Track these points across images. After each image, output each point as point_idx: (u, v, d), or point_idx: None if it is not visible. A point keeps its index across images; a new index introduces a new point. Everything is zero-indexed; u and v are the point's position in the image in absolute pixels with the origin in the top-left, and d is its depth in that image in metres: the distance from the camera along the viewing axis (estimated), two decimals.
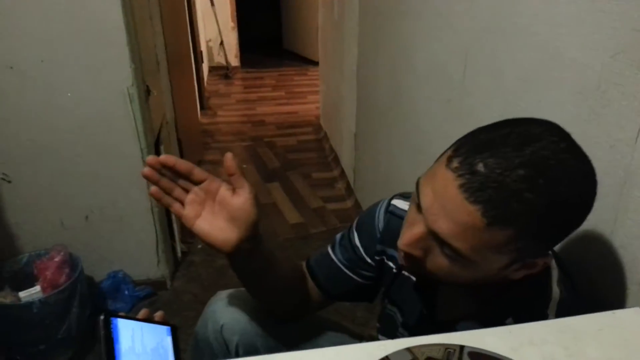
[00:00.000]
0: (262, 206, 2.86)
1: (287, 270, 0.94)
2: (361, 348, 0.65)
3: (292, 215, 2.75)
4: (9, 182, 1.80)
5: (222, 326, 0.98)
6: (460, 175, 0.59)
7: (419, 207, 0.65)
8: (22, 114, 1.71)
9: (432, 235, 0.63)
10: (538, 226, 0.59)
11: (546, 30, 0.94)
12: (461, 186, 0.58)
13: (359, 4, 2.36)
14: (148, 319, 0.79)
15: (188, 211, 0.77)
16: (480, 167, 0.58)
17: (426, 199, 0.63)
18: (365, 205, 2.64)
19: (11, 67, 1.64)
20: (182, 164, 0.76)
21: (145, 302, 2.04)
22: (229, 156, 0.75)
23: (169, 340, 0.77)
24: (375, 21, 2.14)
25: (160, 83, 2.26)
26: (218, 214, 0.76)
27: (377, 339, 1.08)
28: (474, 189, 0.58)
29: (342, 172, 3.12)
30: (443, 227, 0.61)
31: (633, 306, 0.74)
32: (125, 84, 1.72)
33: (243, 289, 1.06)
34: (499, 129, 0.61)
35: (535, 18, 0.97)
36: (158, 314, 0.83)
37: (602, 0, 0.79)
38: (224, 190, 0.77)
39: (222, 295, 1.03)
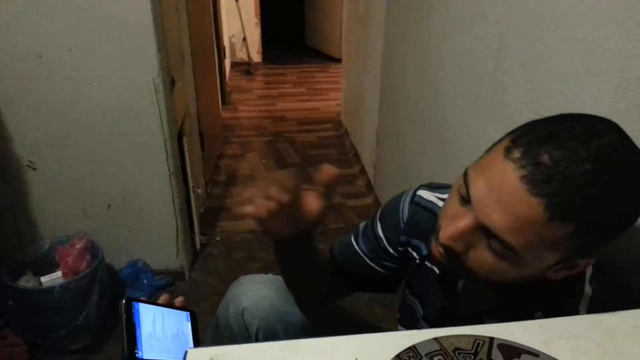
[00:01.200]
0: None
1: (321, 257, 0.93)
2: (387, 337, 0.64)
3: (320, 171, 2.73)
4: (34, 169, 1.82)
5: (243, 309, 0.98)
6: (522, 166, 0.56)
7: (463, 200, 0.63)
8: (49, 102, 1.73)
9: (481, 229, 0.60)
10: (597, 223, 0.57)
11: (586, 20, 0.91)
12: (523, 177, 0.56)
13: None
14: (169, 304, 0.78)
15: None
16: (545, 158, 0.55)
17: (478, 190, 0.60)
18: (385, 203, 2.61)
19: (40, 56, 1.65)
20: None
21: (163, 292, 2.05)
22: (329, 169, 0.73)
23: (188, 326, 0.77)
24: (403, 14, 2.12)
25: (185, 75, 2.27)
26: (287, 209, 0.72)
27: (395, 328, 1.07)
28: (537, 180, 0.55)
29: (363, 168, 3.10)
30: (497, 220, 0.58)
31: None
32: (151, 74, 1.73)
33: (265, 274, 1.06)
34: (560, 121, 0.59)
35: (575, 8, 0.94)
36: (178, 300, 0.83)
37: None
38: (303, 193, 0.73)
39: (245, 279, 1.03)
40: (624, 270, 0.80)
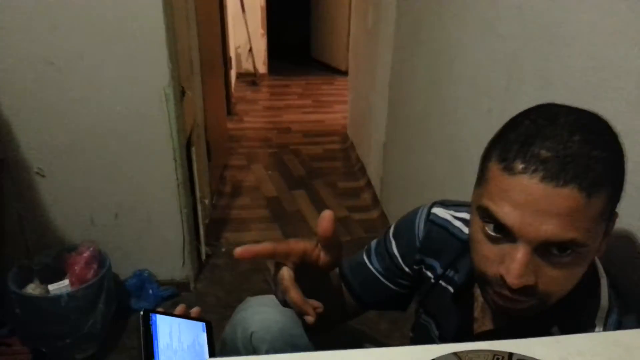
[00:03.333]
0: (287, 213, 2.86)
1: (333, 283, 0.93)
2: (406, 351, 0.63)
3: (316, 224, 2.73)
4: (43, 176, 1.83)
5: (251, 333, 0.96)
6: (534, 171, 0.57)
7: (496, 239, 0.62)
8: (60, 110, 1.74)
9: (538, 250, 0.59)
10: (617, 173, 0.61)
11: (602, 39, 0.91)
12: (543, 179, 0.57)
13: (397, 10, 2.35)
14: (185, 315, 0.78)
15: None
16: (544, 153, 0.57)
17: (511, 216, 0.59)
18: (391, 216, 2.61)
19: (52, 63, 1.67)
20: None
21: (169, 303, 2.05)
22: (328, 215, 0.70)
23: (204, 337, 0.77)
24: (413, 28, 2.13)
25: (194, 85, 2.28)
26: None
27: None
28: (556, 172, 0.56)
29: (369, 182, 3.10)
30: (550, 229, 0.57)
31: None
32: (161, 83, 1.74)
33: (271, 295, 1.05)
34: (518, 124, 0.62)
35: (590, 26, 0.95)
36: (195, 310, 0.83)
37: None
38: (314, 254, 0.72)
39: (252, 302, 1.01)
40: (638, 288, 0.80)
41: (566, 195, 0.56)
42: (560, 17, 1.05)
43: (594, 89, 0.94)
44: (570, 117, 0.60)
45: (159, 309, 0.71)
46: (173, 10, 1.75)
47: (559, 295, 0.64)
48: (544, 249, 0.59)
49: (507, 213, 0.59)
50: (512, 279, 0.60)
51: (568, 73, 1.03)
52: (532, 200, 0.57)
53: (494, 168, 0.61)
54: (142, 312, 0.66)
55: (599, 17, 0.92)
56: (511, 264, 0.60)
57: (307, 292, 0.80)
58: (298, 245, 0.70)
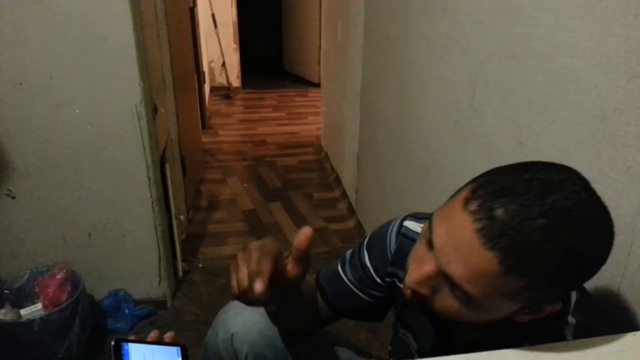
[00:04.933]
0: (264, 225, 2.85)
1: (307, 293, 0.93)
2: None
3: (294, 235, 2.69)
4: (13, 197, 1.79)
5: (232, 335, 0.98)
6: (478, 220, 0.57)
7: (429, 244, 0.64)
8: (30, 130, 1.71)
9: (443, 276, 0.61)
10: (554, 276, 0.58)
11: (561, 53, 0.95)
12: (478, 231, 0.56)
13: (364, 26, 2.39)
14: (158, 341, 0.78)
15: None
16: (499, 213, 0.56)
17: (440, 239, 0.61)
18: (367, 226, 2.63)
19: (20, 84, 1.64)
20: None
21: (146, 322, 2.02)
22: (307, 232, 0.68)
23: None
24: (381, 42, 2.17)
25: (166, 101, 2.27)
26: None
27: None
28: (492, 235, 0.56)
29: (344, 192, 3.12)
30: (456, 270, 0.59)
31: None
32: (133, 101, 1.73)
33: None
34: (518, 172, 0.59)
35: (550, 41, 0.98)
36: (168, 335, 0.82)
37: (618, 25, 0.80)
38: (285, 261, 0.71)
39: (234, 304, 1.02)
40: (605, 294, 0.83)
41: (484, 258, 0.56)
42: (521, 33, 1.09)
43: (554, 101, 0.98)
44: (564, 201, 0.56)
45: (131, 337, 0.71)
46: (143, 28, 1.74)
47: (454, 320, 0.66)
48: (448, 278, 0.61)
49: (438, 233, 0.61)
50: (408, 279, 0.65)
51: (530, 86, 1.06)
52: (460, 241, 0.58)
53: (464, 192, 0.62)
54: (113, 343, 0.66)
55: (558, 33, 0.96)
56: (417, 269, 0.64)
57: (278, 301, 0.81)
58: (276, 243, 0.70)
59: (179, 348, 0.77)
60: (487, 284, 0.58)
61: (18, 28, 1.58)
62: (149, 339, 0.76)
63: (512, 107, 1.14)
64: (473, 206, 0.58)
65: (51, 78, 1.66)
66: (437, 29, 1.55)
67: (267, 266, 0.64)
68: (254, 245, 0.68)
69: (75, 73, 1.67)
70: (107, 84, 1.70)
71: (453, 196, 0.65)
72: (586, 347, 0.67)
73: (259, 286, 0.62)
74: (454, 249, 0.59)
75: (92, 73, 1.68)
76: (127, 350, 0.67)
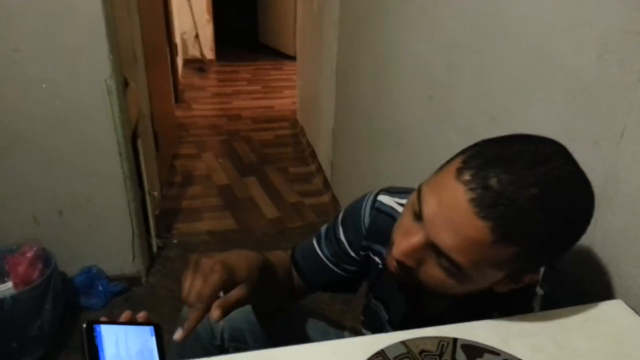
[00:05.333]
0: (239, 200, 2.84)
1: (282, 272, 0.94)
2: (356, 342, 0.65)
3: (269, 210, 2.74)
4: None
5: None
6: (471, 189, 0.57)
7: (416, 216, 0.64)
8: None
9: (431, 246, 0.62)
10: (542, 245, 0.59)
11: (534, 31, 0.95)
12: (472, 200, 0.57)
13: None
14: (131, 321, 0.77)
15: None
16: (493, 182, 0.56)
17: (430, 209, 0.61)
18: (342, 200, 2.64)
19: None
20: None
21: (120, 298, 2.01)
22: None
23: (153, 341, 0.75)
24: (357, 16, 2.15)
25: (137, 75, 2.22)
26: None
27: (359, 332, 1.09)
28: (485, 204, 0.56)
29: (319, 167, 3.12)
30: (446, 239, 0.60)
31: (615, 298, 0.76)
32: (103, 75, 1.69)
33: None
34: (509, 144, 0.60)
35: (524, 19, 0.99)
36: (141, 315, 0.81)
37: (591, 2, 0.80)
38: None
39: None
40: (571, 266, 0.85)
41: (476, 227, 0.57)
42: (494, 11, 1.09)
43: (528, 79, 0.99)
44: (554, 171, 0.57)
45: (103, 319, 0.70)
46: (112, 1, 1.68)
47: (437, 291, 0.68)
48: (437, 250, 0.62)
49: (429, 204, 0.62)
50: (395, 251, 0.66)
51: (503, 64, 1.07)
52: (451, 210, 0.59)
53: (455, 163, 0.62)
54: (84, 325, 0.65)
55: (532, 12, 0.96)
56: (403, 241, 0.65)
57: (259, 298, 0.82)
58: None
59: (152, 327, 0.76)
60: (476, 254, 0.59)
61: None
62: (121, 319, 0.75)
63: (485, 84, 1.14)
64: (466, 176, 0.58)
65: (15, 51, 1.60)
66: (413, 6, 1.54)
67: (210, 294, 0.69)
68: (205, 265, 0.72)
69: (41, 46, 1.62)
70: (75, 58, 1.65)
71: (441, 168, 0.65)
72: (553, 318, 0.69)
73: (214, 314, 0.69)
74: (445, 218, 0.59)
75: (60, 46, 1.63)
76: (100, 332, 0.66)
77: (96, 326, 0.66)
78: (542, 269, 0.73)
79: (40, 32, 1.60)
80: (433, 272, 0.64)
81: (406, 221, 0.66)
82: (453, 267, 0.61)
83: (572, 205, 0.59)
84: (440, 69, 1.35)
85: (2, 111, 1.67)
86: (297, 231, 2.54)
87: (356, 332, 1.14)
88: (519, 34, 1.00)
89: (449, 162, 0.64)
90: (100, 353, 0.64)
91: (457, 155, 0.64)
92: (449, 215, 0.59)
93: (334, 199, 2.75)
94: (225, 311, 0.71)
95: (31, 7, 1.56)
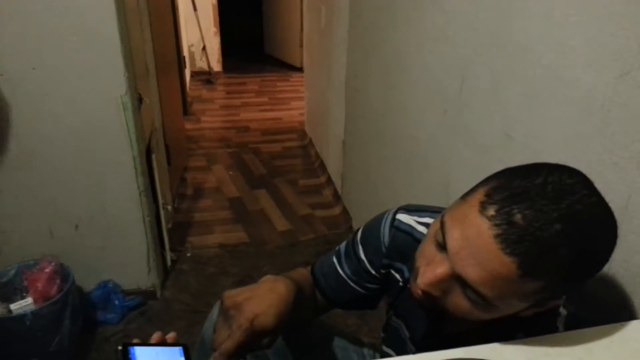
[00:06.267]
0: (250, 213, 2.86)
1: (309, 294, 0.96)
2: None
3: (280, 223, 2.75)
4: None
5: None
6: (496, 225, 0.58)
7: (440, 246, 0.65)
8: (12, 122, 1.68)
9: (457, 278, 0.63)
10: (567, 277, 0.61)
11: (550, 49, 0.97)
12: (497, 236, 0.58)
13: (349, 12, 2.38)
14: (161, 342, 0.79)
15: None
16: (518, 218, 0.57)
17: (455, 242, 0.62)
18: (353, 212, 2.66)
19: (1, 75, 1.61)
20: None
21: (136, 312, 2.03)
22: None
23: None
24: (367, 31, 2.17)
25: (150, 89, 2.25)
26: None
27: (378, 348, 1.10)
28: (511, 240, 0.57)
29: (329, 178, 3.13)
30: (472, 273, 0.60)
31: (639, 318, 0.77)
32: (118, 92, 1.71)
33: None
34: (532, 176, 0.61)
35: (539, 37, 1.00)
36: (170, 335, 0.83)
37: (609, 24, 0.82)
38: None
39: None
40: (594, 286, 0.86)
41: (502, 262, 0.58)
42: (509, 27, 1.10)
43: (543, 96, 1.00)
44: (577, 205, 0.58)
45: (135, 340, 0.72)
46: (126, 17, 1.71)
47: (461, 318, 0.68)
48: (462, 281, 0.63)
49: (453, 237, 0.62)
50: (420, 281, 0.66)
51: (518, 80, 1.08)
52: (476, 244, 0.60)
53: (478, 195, 0.62)
54: (120, 347, 0.67)
55: (548, 29, 0.98)
56: (429, 270, 0.66)
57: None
58: None
59: (181, 348, 0.78)
60: (503, 287, 0.60)
61: None
62: (152, 341, 0.77)
63: (500, 100, 1.16)
64: (490, 211, 0.59)
65: (34, 69, 1.63)
66: (423, 20, 1.56)
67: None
68: (234, 320, 0.74)
69: (58, 64, 1.64)
70: (91, 75, 1.68)
71: (463, 198, 0.65)
72: (579, 338, 0.70)
73: None
74: (470, 253, 0.60)
75: (76, 64, 1.65)
76: (134, 354, 0.68)
77: (130, 348, 0.68)
78: None
79: (58, 50, 1.62)
80: (459, 302, 0.65)
81: (429, 250, 0.67)
82: (479, 299, 0.62)
83: (596, 236, 0.60)
84: (454, 83, 1.36)
85: (20, 127, 1.69)
86: (309, 243, 2.55)
87: (374, 349, 1.15)
88: (532, 50, 1.02)
89: (471, 192, 0.65)
90: None
91: (480, 185, 0.65)
92: (474, 250, 0.60)
93: (345, 211, 2.77)
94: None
95: (48, 25, 1.59)
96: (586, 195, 0.60)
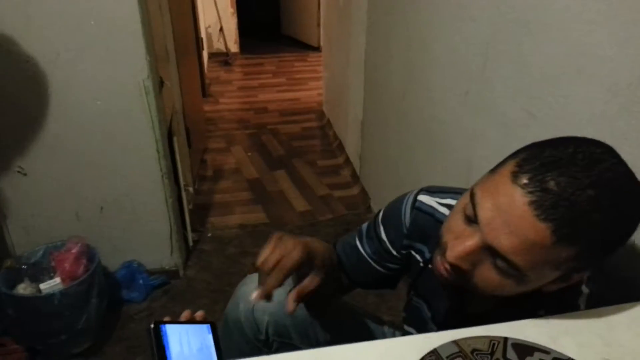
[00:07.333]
0: (269, 193, 2.88)
1: (335, 261, 0.98)
2: (408, 341, 0.68)
3: (299, 203, 2.77)
4: (25, 174, 1.81)
5: (253, 306, 1.01)
6: (530, 192, 0.59)
7: (469, 219, 0.65)
8: (38, 107, 1.71)
9: (487, 249, 0.63)
10: (600, 244, 0.62)
11: (576, 26, 0.95)
12: (532, 203, 0.59)
13: None
14: (191, 320, 0.81)
15: None
16: (552, 184, 0.58)
17: (486, 213, 0.63)
18: (372, 193, 2.66)
19: (27, 61, 1.64)
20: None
21: (159, 291, 2.07)
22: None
23: (210, 338, 0.79)
24: (386, 8, 2.14)
25: (170, 73, 2.26)
26: None
27: (399, 327, 1.12)
28: (546, 206, 0.58)
29: (347, 159, 3.14)
30: (505, 242, 0.61)
31: None
32: (140, 76, 1.73)
33: None
34: (562, 146, 0.62)
35: (565, 13, 0.98)
36: (199, 314, 0.86)
37: (636, 0, 0.80)
38: None
39: (253, 277, 1.05)
40: (617, 263, 0.86)
41: (537, 229, 0.59)
42: (534, 3, 1.09)
43: (569, 75, 0.99)
44: (607, 172, 0.59)
45: (166, 319, 0.74)
46: (147, 2, 1.72)
47: (488, 294, 0.69)
48: (494, 252, 0.63)
49: (485, 207, 0.63)
50: (450, 254, 0.67)
51: (543, 59, 1.07)
52: (510, 213, 0.60)
53: (509, 166, 0.63)
54: (152, 325, 0.69)
55: (573, 5, 0.96)
56: (458, 244, 0.66)
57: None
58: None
59: (209, 325, 0.80)
60: (536, 255, 0.60)
61: (23, 6, 1.57)
62: (182, 319, 0.79)
63: (524, 78, 1.14)
64: (523, 179, 0.60)
65: (58, 54, 1.65)
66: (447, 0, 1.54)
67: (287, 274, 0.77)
68: (288, 242, 0.79)
69: (82, 49, 1.66)
70: (114, 60, 1.70)
71: (493, 170, 0.66)
72: (599, 316, 0.71)
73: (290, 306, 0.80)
74: (503, 222, 0.61)
75: (99, 49, 1.67)
76: (165, 332, 0.70)
77: (162, 326, 0.70)
78: None
79: (80, 36, 1.64)
80: (488, 275, 0.66)
81: (457, 225, 0.68)
82: (511, 269, 0.63)
83: (626, 203, 0.61)
84: (477, 62, 1.35)
85: (45, 113, 1.72)
86: (328, 224, 2.57)
87: (395, 327, 1.17)
88: (559, 27, 1.00)
89: (500, 165, 0.66)
90: (167, 351, 0.68)
91: (509, 158, 0.65)
92: (508, 218, 0.60)
93: (363, 191, 2.77)
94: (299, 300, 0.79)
95: (71, 12, 1.60)
96: (615, 164, 0.61)
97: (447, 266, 0.68)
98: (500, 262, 0.63)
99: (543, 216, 0.58)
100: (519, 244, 0.60)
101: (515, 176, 0.61)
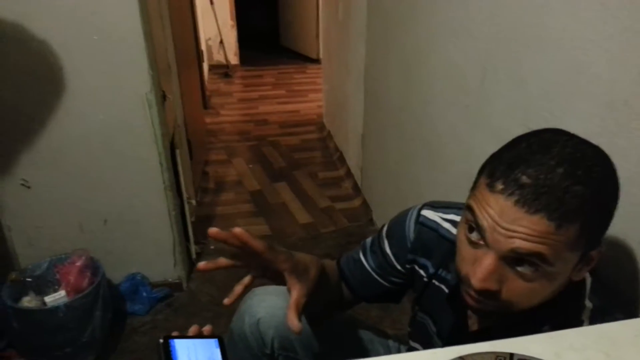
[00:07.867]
0: (271, 206, 2.89)
1: (334, 279, 0.99)
2: (414, 357, 0.69)
3: (301, 215, 2.78)
4: (28, 187, 1.82)
5: (258, 320, 1.03)
6: (510, 194, 0.62)
7: (473, 242, 0.68)
8: (42, 120, 1.73)
9: (505, 261, 0.65)
10: (595, 211, 0.63)
11: (573, 44, 0.97)
12: (517, 203, 0.61)
13: (367, 5, 2.38)
14: (199, 335, 0.83)
15: None
16: (524, 179, 0.61)
17: (488, 220, 0.65)
18: (373, 205, 2.67)
19: (30, 74, 1.66)
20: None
21: (163, 304, 2.08)
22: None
23: (218, 353, 0.81)
24: (385, 22, 2.17)
25: (172, 86, 2.28)
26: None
27: (405, 342, 1.12)
28: (529, 200, 0.61)
29: (349, 171, 3.15)
30: (517, 241, 0.63)
31: None
32: (143, 89, 1.75)
33: (276, 285, 1.11)
34: (516, 145, 0.66)
35: (562, 32, 1.00)
36: (206, 328, 0.87)
37: (631, 20, 0.82)
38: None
39: (258, 291, 1.07)
40: (620, 279, 0.87)
41: (535, 222, 0.61)
42: (532, 22, 1.11)
43: (566, 91, 1.01)
44: (565, 149, 0.63)
45: (174, 333, 0.75)
46: (149, 16, 1.75)
47: (523, 306, 0.69)
48: (513, 260, 0.65)
49: (484, 216, 0.65)
50: (475, 281, 0.67)
51: (541, 75, 1.09)
52: (506, 219, 0.63)
53: (482, 181, 0.67)
54: (161, 340, 0.70)
55: (570, 24, 0.98)
56: (478, 268, 0.67)
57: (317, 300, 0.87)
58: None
59: (217, 339, 0.81)
60: (550, 241, 0.62)
61: (27, 19, 1.59)
62: (190, 333, 0.80)
63: (522, 94, 1.16)
64: (499, 186, 0.63)
65: (62, 68, 1.68)
66: (443, 13, 1.56)
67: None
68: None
69: (85, 63, 1.69)
70: (118, 74, 1.72)
71: (473, 186, 0.70)
72: (604, 331, 0.71)
73: (295, 327, 0.80)
74: (504, 228, 0.63)
75: (102, 63, 1.70)
76: (174, 346, 0.71)
77: (171, 340, 0.72)
78: (588, 281, 0.75)
79: (83, 49, 1.67)
80: (517, 286, 0.66)
81: (468, 253, 0.69)
82: (538, 261, 0.63)
83: (596, 168, 0.63)
84: (475, 77, 1.37)
85: (49, 126, 1.74)
86: (330, 236, 2.58)
87: (399, 341, 1.17)
88: (555, 45, 1.03)
89: (474, 187, 0.69)
90: None
91: (478, 177, 0.69)
92: (507, 225, 0.63)
93: (365, 203, 2.79)
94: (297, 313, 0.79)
95: (73, 25, 1.63)
96: (568, 139, 0.65)
97: (475, 295, 0.69)
98: (522, 268, 0.65)
99: (532, 209, 0.61)
100: (531, 238, 0.62)
101: (491, 187, 0.64)
